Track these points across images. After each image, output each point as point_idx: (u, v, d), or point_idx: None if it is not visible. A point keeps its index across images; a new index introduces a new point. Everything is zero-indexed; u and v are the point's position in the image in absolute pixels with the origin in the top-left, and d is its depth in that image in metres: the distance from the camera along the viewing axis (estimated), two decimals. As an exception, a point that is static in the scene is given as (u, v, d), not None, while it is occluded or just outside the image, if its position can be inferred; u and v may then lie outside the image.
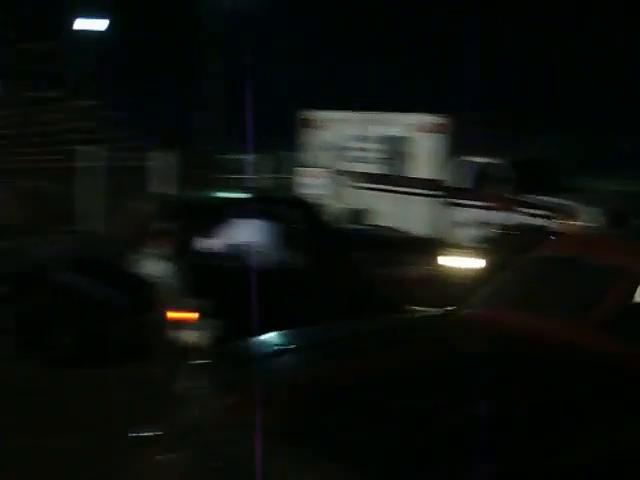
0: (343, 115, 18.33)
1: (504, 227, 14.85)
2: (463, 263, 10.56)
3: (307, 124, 18.54)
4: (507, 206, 15.55)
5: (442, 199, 16.64)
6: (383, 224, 13.65)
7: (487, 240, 14.53)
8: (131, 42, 36.10)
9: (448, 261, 10.18)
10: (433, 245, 11.10)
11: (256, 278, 7.20)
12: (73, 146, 24.52)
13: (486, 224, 15.46)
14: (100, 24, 35.32)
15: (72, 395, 7.92)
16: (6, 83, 27.00)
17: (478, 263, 10.95)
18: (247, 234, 8.46)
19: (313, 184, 17.58)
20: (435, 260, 9.97)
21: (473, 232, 15.60)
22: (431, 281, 9.35)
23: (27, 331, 8.89)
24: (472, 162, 16.36)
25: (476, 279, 8.82)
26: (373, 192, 17.45)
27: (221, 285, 7.02)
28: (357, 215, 17.12)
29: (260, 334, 5.63)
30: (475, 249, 12.61)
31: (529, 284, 6.03)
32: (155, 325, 7.75)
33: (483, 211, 15.93)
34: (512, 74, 34.56)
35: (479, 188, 16.22)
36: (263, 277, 7.28)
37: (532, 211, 15.44)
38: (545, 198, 15.52)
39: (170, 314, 7.61)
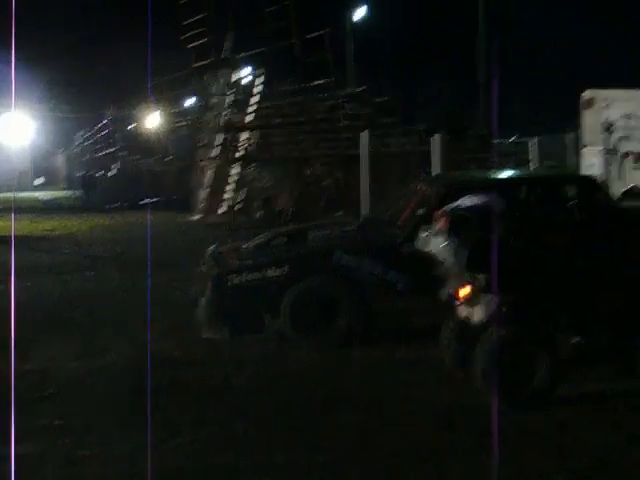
0: (624, 94, 17.60)
1: None
2: None
3: (588, 103, 17.94)
4: None
5: None
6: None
7: None
8: (395, 29, 36.40)
9: None
10: None
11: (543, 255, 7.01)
12: (343, 133, 24.94)
13: None
14: (362, 11, 35.99)
15: (354, 378, 7.87)
16: (277, 73, 27.78)
17: None
18: (529, 213, 8.17)
19: (592, 164, 17.01)
20: None
21: None
22: None
23: (303, 313, 8.95)
24: None
25: None
26: None
27: (499, 261, 6.77)
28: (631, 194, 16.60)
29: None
30: None
31: None
32: (440, 306, 7.61)
33: None
34: None
35: None
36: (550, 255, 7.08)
37: None
38: None
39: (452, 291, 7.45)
